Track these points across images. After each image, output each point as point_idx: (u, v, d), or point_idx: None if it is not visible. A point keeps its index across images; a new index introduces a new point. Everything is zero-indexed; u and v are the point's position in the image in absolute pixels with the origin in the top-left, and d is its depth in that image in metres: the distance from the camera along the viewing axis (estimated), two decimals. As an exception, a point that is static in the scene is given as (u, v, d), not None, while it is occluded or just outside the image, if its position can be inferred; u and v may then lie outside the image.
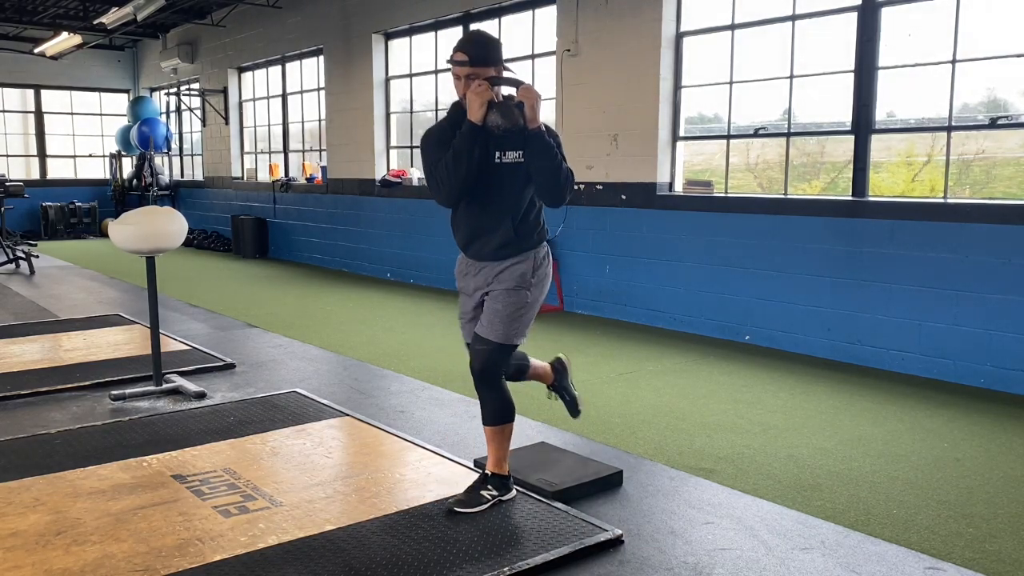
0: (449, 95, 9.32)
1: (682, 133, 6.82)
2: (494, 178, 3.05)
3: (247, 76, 13.22)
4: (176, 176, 15.90)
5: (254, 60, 12.52)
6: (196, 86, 14.45)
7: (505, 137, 2.99)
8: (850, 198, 5.72)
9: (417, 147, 9.91)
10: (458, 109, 3.09)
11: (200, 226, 14.33)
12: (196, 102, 14.36)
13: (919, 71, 5.43)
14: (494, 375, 3.12)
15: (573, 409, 3.74)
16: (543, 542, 2.86)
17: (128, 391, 4.69)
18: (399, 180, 9.76)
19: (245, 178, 13.36)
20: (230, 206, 13.58)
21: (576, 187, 7.33)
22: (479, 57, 2.98)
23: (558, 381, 3.68)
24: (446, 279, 8.93)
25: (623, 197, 7.05)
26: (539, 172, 3.01)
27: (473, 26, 8.72)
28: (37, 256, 10.66)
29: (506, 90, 3.06)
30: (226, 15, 12.60)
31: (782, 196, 6.16)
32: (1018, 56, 4.96)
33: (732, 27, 6.36)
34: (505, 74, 3.05)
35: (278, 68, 12.32)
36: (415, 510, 3.13)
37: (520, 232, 3.10)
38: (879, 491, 3.42)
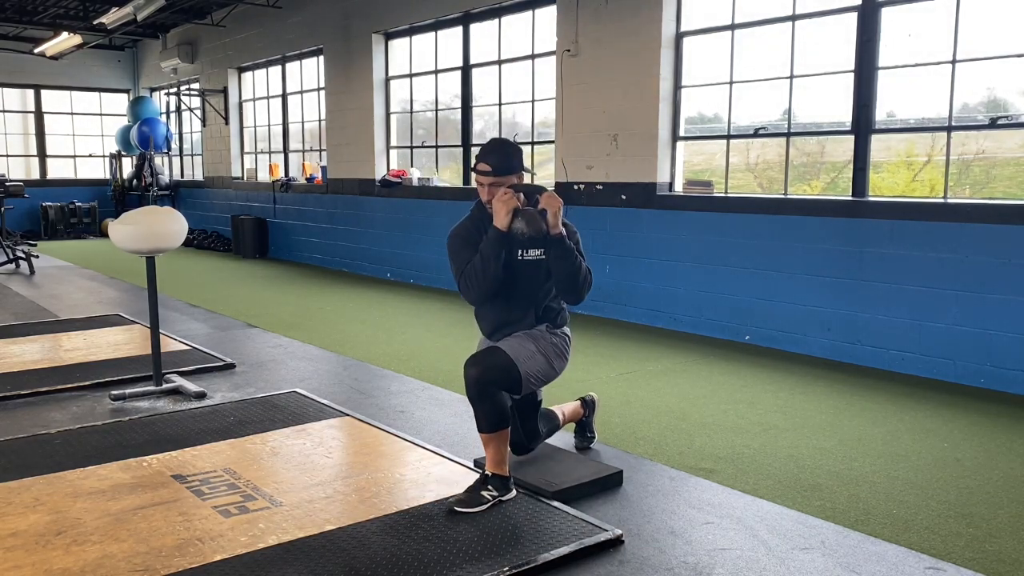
0: (449, 96, 9.33)
1: (682, 133, 6.82)
2: (517, 274, 3.25)
3: (247, 76, 13.23)
4: (176, 176, 15.90)
5: (254, 60, 12.53)
6: (196, 86, 14.45)
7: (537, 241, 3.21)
8: (850, 198, 5.72)
9: (417, 147, 9.92)
10: (482, 209, 3.30)
11: (200, 226, 14.34)
12: (196, 102, 14.37)
13: (919, 71, 5.43)
14: (490, 385, 3.14)
15: (584, 444, 3.91)
16: (543, 542, 2.86)
17: (128, 391, 4.69)
18: (399, 180, 9.76)
19: (245, 178, 13.36)
20: (230, 206, 13.58)
21: (576, 187, 7.39)
22: (502, 167, 3.22)
23: (586, 417, 3.92)
24: (446, 279, 8.93)
25: (623, 197, 7.05)
26: (560, 274, 3.22)
27: (473, 26, 8.73)
28: (37, 256, 10.66)
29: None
30: (226, 15, 12.60)
31: (782, 196, 6.16)
32: (1018, 56, 4.96)
33: (732, 27, 6.36)
34: (527, 178, 3.31)
35: (278, 68, 12.32)
36: (415, 510, 3.13)
37: (543, 320, 3.34)
38: (879, 491, 3.42)
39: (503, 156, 3.24)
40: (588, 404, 3.91)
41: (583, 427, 3.92)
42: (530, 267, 3.26)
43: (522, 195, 3.23)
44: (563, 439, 4.01)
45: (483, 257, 3.15)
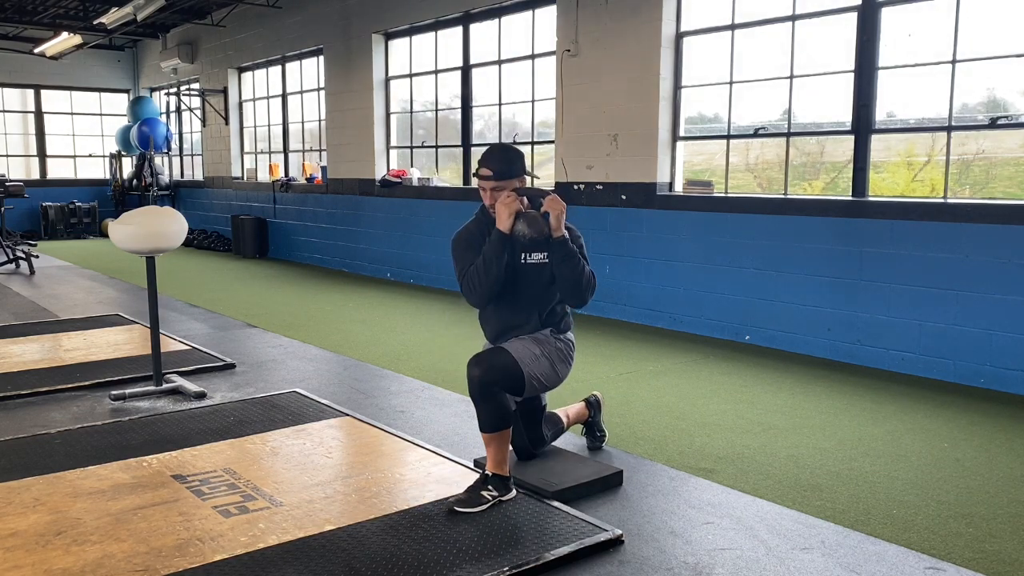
0: (449, 96, 9.33)
1: (682, 133, 6.82)
2: (520, 278, 3.28)
3: (247, 76, 13.23)
4: (176, 176, 15.90)
5: (254, 60, 12.53)
6: (196, 86, 14.45)
7: (539, 244, 3.24)
8: (850, 198, 5.72)
9: (417, 147, 9.92)
10: (485, 214, 3.34)
11: (200, 226, 14.34)
12: (196, 102, 14.37)
13: (919, 71, 5.43)
14: (493, 386, 3.15)
15: (596, 444, 3.91)
16: (543, 542, 2.86)
17: (128, 391, 4.69)
18: (399, 180, 9.76)
19: (245, 178, 13.36)
20: (230, 206, 13.58)
21: (576, 187, 7.38)
22: (503, 172, 3.26)
23: (592, 417, 3.92)
24: (446, 279, 8.93)
25: (623, 197, 7.05)
26: (563, 277, 3.25)
27: (473, 26, 8.73)
28: (37, 256, 10.66)
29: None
30: (226, 15, 12.60)
31: (782, 196, 6.16)
32: (1018, 56, 4.96)
33: (732, 27, 6.36)
34: (528, 181, 3.33)
35: (278, 68, 12.32)
36: (415, 510, 3.13)
37: (547, 324, 3.36)
38: (879, 491, 3.42)
39: (504, 161, 3.28)
40: (593, 404, 3.92)
41: (592, 427, 3.92)
42: (533, 271, 3.29)
43: (525, 199, 3.27)
44: (564, 439, 4.01)
45: (485, 260, 3.18)
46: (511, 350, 3.22)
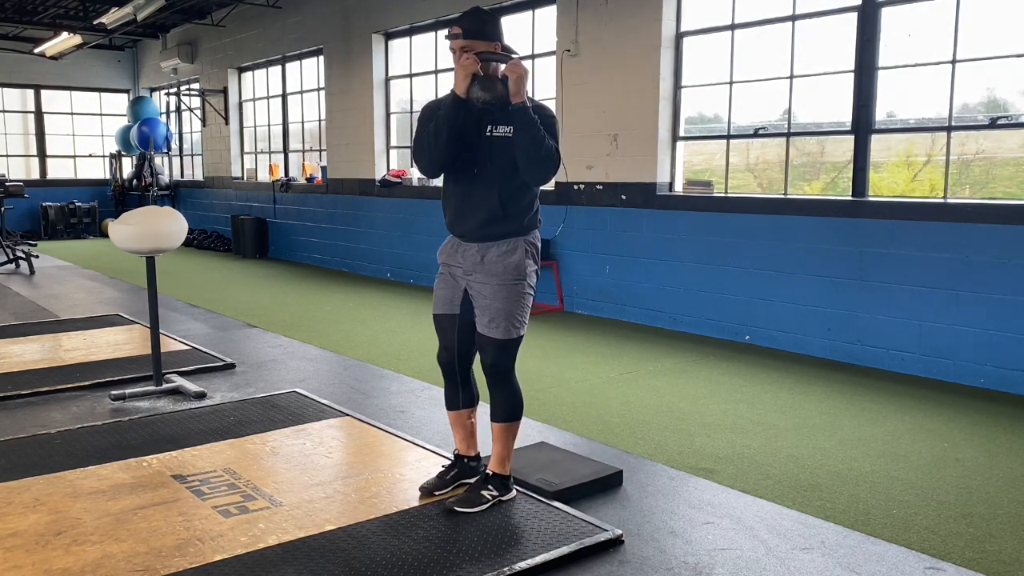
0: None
1: (682, 133, 6.82)
2: (483, 151, 3.07)
3: (247, 76, 13.22)
4: (176, 176, 15.90)
5: (254, 60, 12.52)
6: (196, 86, 14.45)
7: (498, 111, 3.03)
8: (850, 198, 5.72)
9: (417, 147, 9.91)
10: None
11: (200, 226, 14.33)
12: (196, 102, 14.36)
13: (919, 71, 5.43)
14: (505, 370, 3.14)
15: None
16: (543, 542, 2.86)
17: (128, 391, 4.69)
18: (399, 180, 9.76)
19: (245, 178, 13.36)
20: (230, 206, 13.58)
21: (576, 187, 7.38)
22: (473, 31, 3.01)
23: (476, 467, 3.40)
24: (446, 279, 8.92)
25: (623, 197, 7.05)
26: (520, 148, 3.01)
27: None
28: (37, 256, 10.66)
29: None
30: (226, 15, 12.60)
31: (782, 196, 6.16)
32: (1018, 56, 4.96)
33: (732, 27, 6.36)
34: (501, 51, 3.07)
35: (278, 68, 12.32)
36: (415, 510, 3.13)
37: (508, 211, 3.07)
38: (879, 491, 3.42)
39: (477, 20, 3.03)
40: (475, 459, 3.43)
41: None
42: (499, 145, 3.05)
43: (498, 66, 3.03)
44: (563, 439, 4.01)
45: (437, 123, 3.01)
46: (495, 334, 3.09)
